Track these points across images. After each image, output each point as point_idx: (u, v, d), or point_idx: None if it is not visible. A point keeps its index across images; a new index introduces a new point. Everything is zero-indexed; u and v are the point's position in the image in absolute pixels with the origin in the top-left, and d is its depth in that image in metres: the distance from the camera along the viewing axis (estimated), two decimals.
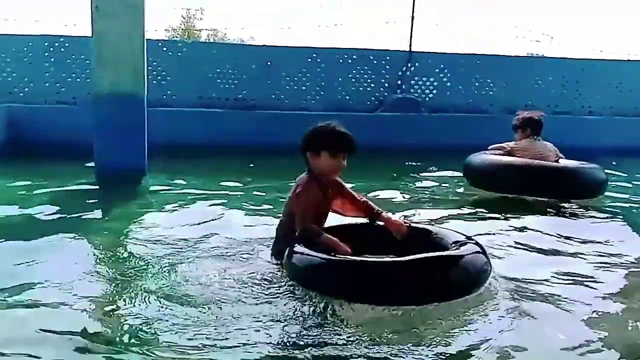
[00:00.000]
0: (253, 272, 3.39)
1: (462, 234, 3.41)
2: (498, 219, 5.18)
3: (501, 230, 4.72)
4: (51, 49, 9.72)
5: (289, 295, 3.07)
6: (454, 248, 3.17)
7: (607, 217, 5.46)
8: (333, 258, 3.03)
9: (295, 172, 3.65)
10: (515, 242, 4.34)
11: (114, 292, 3.19)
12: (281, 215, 3.67)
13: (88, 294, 3.11)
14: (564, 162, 6.26)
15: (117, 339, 2.63)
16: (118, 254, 3.89)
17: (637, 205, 6.15)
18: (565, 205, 5.75)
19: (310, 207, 3.36)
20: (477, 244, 3.25)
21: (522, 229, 4.79)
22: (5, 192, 5.86)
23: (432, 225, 3.87)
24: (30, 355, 2.45)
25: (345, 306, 2.88)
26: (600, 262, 3.95)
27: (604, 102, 11.89)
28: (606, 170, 6.30)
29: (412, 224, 3.64)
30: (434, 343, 2.61)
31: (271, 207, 5.31)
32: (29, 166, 7.33)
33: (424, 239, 3.37)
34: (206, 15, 33.20)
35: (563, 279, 3.56)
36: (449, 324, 2.79)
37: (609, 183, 6.28)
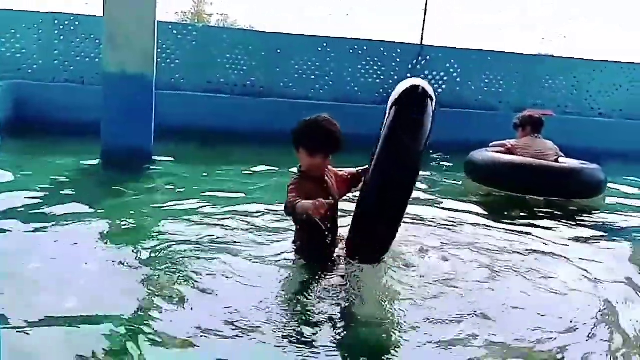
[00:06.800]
0: (261, 258, 3.45)
1: None
2: (495, 214, 5.27)
3: (495, 225, 4.84)
4: (61, 27, 9.68)
5: (299, 279, 3.15)
6: None
7: (602, 218, 5.57)
8: None
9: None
10: (505, 238, 4.42)
11: (111, 271, 3.20)
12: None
13: (85, 274, 3.13)
14: (563, 160, 6.35)
15: (115, 323, 2.65)
16: (117, 235, 3.91)
17: (636, 207, 6.14)
18: (563, 205, 5.82)
19: (294, 192, 3.10)
20: None
21: (516, 226, 4.87)
22: (8, 168, 5.83)
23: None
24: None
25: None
26: (587, 261, 4.02)
27: (613, 104, 11.80)
28: (608, 172, 6.36)
29: None
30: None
31: (274, 193, 5.31)
32: (34, 144, 7.34)
33: None
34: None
35: (546, 277, 3.62)
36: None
37: (609, 185, 6.35)
